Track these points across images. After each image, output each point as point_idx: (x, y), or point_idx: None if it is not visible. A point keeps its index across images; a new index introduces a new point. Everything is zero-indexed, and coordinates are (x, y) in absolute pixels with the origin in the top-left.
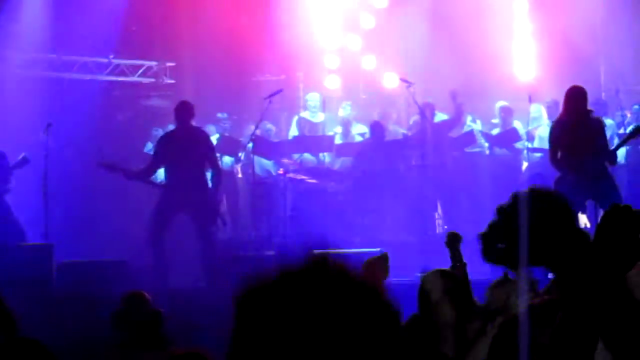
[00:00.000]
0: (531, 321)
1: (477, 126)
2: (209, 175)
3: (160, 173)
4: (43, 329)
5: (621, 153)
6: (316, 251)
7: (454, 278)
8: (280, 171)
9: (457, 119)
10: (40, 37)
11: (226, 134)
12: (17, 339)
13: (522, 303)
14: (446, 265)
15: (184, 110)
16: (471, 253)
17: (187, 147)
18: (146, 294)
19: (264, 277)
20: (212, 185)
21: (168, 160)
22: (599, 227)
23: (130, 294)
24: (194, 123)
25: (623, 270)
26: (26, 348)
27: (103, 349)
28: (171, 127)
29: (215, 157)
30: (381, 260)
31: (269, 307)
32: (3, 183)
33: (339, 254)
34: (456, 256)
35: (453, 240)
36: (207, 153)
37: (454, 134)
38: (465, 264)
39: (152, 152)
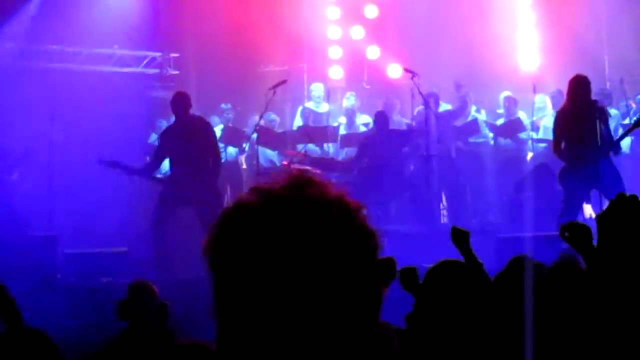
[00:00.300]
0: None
1: (482, 116)
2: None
3: (166, 164)
4: (47, 320)
5: (626, 143)
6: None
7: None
8: (285, 162)
9: (461, 110)
10: (45, 28)
11: (230, 125)
12: (21, 329)
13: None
14: (451, 255)
15: (179, 102)
16: (475, 243)
17: (187, 139)
18: (152, 285)
19: (247, 199)
20: (211, 172)
21: (170, 153)
22: (604, 216)
23: (136, 284)
24: (192, 112)
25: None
26: (30, 338)
27: (107, 339)
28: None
29: (215, 144)
30: (386, 265)
31: (247, 228)
32: (7, 174)
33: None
34: (469, 256)
35: (460, 237)
36: (208, 142)
37: (458, 123)
38: (481, 264)
39: (157, 142)
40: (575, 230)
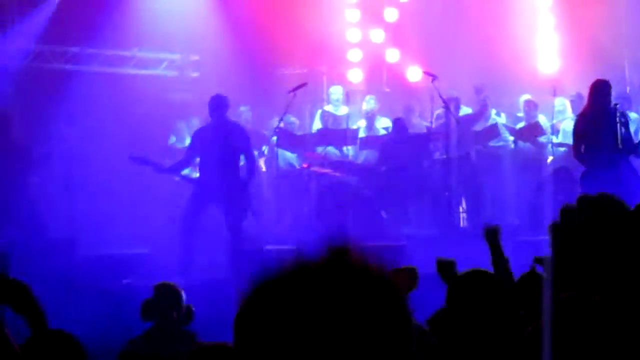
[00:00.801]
0: (556, 315)
1: (502, 120)
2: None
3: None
4: (68, 322)
5: None
6: (337, 244)
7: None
8: (304, 165)
9: (481, 113)
10: (65, 30)
11: (249, 127)
12: (48, 331)
13: (546, 297)
14: (471, 258)
15: (218, 103)
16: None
17: (222, 140)
18: (178, 287)
19: (280, 270)
20: (247, 177)
21: (202, 153)
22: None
23: (162, 285)
24: (229, 116)
25: None
26: (57, 340)
27: (130, 340)
28: (195, 120)
29: (251, 151)
30: (408, 274)
31: (279, 304)
32: (27, 177)
33: (360, 247)
34: (497, 251)
35: (493, 235)
36: (242, 146)
37: (478, 127)
38: (507, 259)
39: (176, 145)
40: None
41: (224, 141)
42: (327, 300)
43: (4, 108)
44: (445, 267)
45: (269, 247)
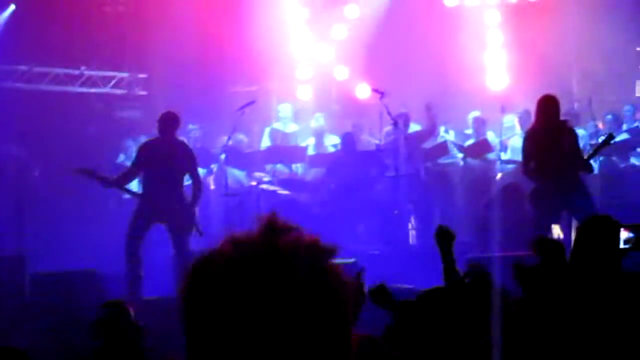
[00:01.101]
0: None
1: (450, 137)
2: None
3: (133, 183)
4: (17, 340)
5: (594, 163)
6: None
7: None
8: (253, 183)
9: (431, 131)
10: (12, 48)
11: (198, 146)
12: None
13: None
14: (420, 275)
15: (168, 121)
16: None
17: (167, 158)
18: (127, 305)
19: (220, 248)
20: (193, 198)
21: (147, 168)
22: (578, 238)
23: (111, 303)
24: (177, 136)
25: (603, 277)
26: (7, 356)
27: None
28: (143, 138)
29: (197, 170)
30: (355, 288)
31: (220, 278)
32: None
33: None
34: (448, 257)
35: (446, 237)
36: (188, 166)
37: (428, 144)
38: (458, 271)
39: (125, 162)
40: (546, 245)
41: (168, 159)
42: (265, 279)
43: None
44: (444, 237)
45: None
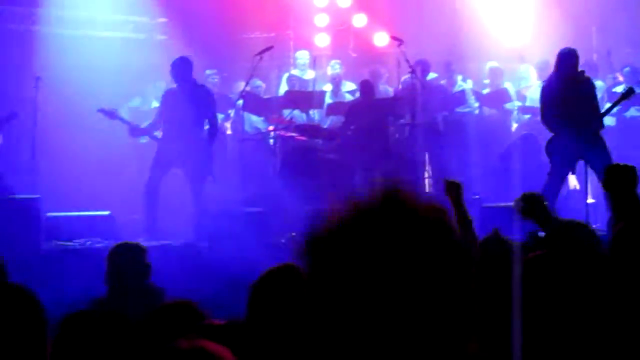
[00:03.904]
0: (526, 275)
1: (468, 85)
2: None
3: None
4: (30, 282)
5: (611, 117)
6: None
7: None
8: (270, 128)
9: (458, 99)
10: None
11: (215, 91)
12: (4, 284)
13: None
14: None
15: (182, 66)
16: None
17: (187, 103)
18: (141, 246)
19: (334, 218)
20: (208, 141)
21: (167, 115)
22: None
23: (124, 244)
24: (194, 78)
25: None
26: (14, 293)
27: (93, 299)
28: (161, 83)
29: (215, 115)
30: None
31: (343, 248)
32: None
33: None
34: (459, 208)
35: (455, 189)
36: (208, 110)
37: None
38: (471, 220)
39: (143, 108)
40: (530, 201)
41: (189, 104)
42: (388, 241)
43: None
44: (452, 188)
45: (233, 209)
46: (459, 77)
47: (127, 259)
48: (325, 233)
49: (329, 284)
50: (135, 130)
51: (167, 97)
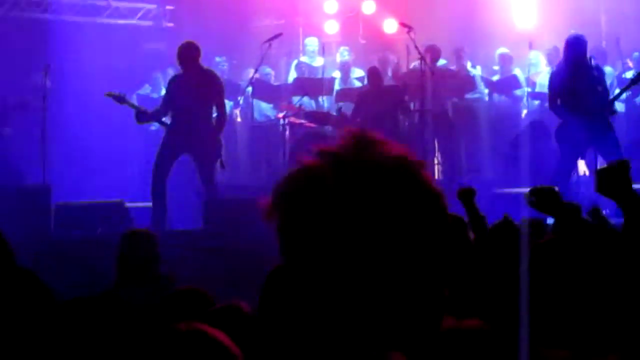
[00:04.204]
0: (535, 260)
1: (477, 72)
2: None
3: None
4: (40, 270)
5: (620, 103)
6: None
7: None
8: (280, 115)
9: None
10: None
11: (225, 78)
12: (13, 268)
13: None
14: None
15: (188, 52)
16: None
17: (195, 89)
18: (151, 233)
19: (312, 162)
20: (216, 127)
21: (175, 101)
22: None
23: (136, 231)
24: (201, 63)
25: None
26: (22, 277)
27: (99, 289)
28: (170, 70)
29: (223, 100)
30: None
31: (315, 193)
32: (1, 125)
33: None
34: (472, 211)
35: (468, 195)
36: (215, 95)
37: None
38: (483, 217)
39: (152, 94)
40: (542, 195)
41: (197, 89)
42: (361, 191)
43: None
44: (466, 195)
45: (243, 196)
46: (468, 64)
47: (138, 247)
48: (292, 183)
49: (297, 236)
50: (142, 115)
51: (174, 83)
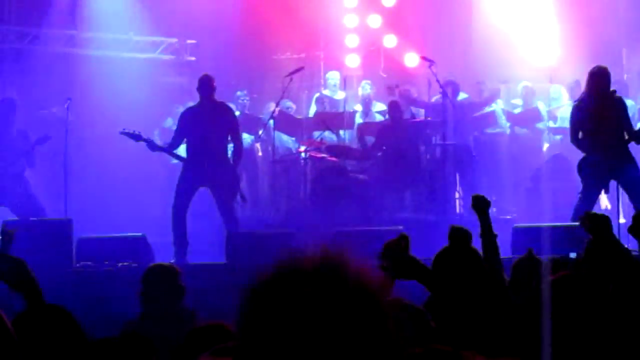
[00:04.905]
0: (552, 295)
1: (498, 106)
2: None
3: (181, 149)
4: (63, 303)
5: None
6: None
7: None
8: (301, 149)
9: (489, 100)
10: (62, 13)
11: (246, 112)
12: (43, 305)
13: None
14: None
15: (206, 84)
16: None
17: (210, 121)
18: (174, 267)
19: (277, 269)
20: (233, 160)
21: (191, 133)
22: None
23: (158, 265)
24: (216, 97)
25: None
26: (52, 314)
27: (126, 321)
28: (191, 103)
29: (239, 132)
30: (401, 241)
31: (273, 302)
32: (24, 160)
33: (355, 256)
34: (485, 222)
35: (482, 203)
36: (230, 127)
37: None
38: (496, 235)
39: (173, 127)
40: (595, 220)
41: (211, 122)
42: (315, 304)
43: (10, 97)
44: (481, 204)
45: (264, 230)
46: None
47: (162, 282)
48: (259, 286)
49: (255, 337)
50: (155, 146)
51: (187, 115)
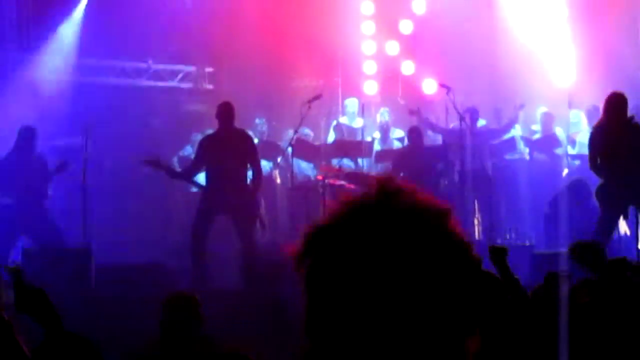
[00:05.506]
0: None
1: (517, 132)
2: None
3: (200, 176)
4: (83, 330)
5: None
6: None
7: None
8: (319, 177)
9: (508, 127)
10: (80, 42)
11: (265, 139)
12: (63, 333)
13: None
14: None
15: (225, 111)
16: (510, 258)
17: (229, 148)
18: (193, 295)
19: (331, 216)
20: (252, 187)
21: (210, 161)
22: None
23: (179, 294)
24: (236, 124)
25: None
26: (72, 342)
27: (145, 345)
28: (210, 131)
29: (257, 159)
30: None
31: (338, 246)
32: (44, 187)
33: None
34: (505, 271)
35: (499, 254)
36: (249, 154)
37: (495, 141)
38: (517, 279)
39: (192, 155)
40: (584, 249)
41: (229, 149)
42: (386, 241)
43: (31, 125)
44: (497, 254)
45: (283, 258)
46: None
47: (182, 310)
48: (321, 230)
49: (325, 282)
50: (173, 173)
51: (207, 142)
